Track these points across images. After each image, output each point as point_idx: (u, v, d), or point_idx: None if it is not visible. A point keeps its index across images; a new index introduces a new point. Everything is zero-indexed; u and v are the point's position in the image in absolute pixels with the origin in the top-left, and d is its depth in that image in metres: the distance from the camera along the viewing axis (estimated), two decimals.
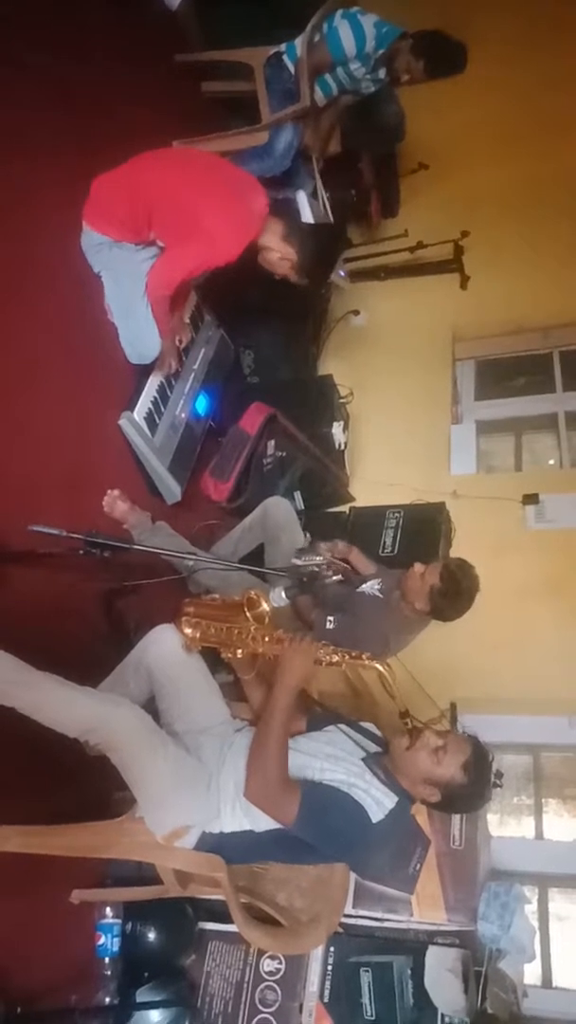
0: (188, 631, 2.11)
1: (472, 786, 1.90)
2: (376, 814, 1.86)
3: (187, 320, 3.14)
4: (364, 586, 2.88)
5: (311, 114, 3.32)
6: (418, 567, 2.67)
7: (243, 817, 1.94)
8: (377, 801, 1.88)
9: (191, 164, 2.64)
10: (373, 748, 2.05)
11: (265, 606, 2.00)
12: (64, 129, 2.82)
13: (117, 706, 1.95)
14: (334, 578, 2.51)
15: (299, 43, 3.17)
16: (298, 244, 2.62)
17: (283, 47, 3.26)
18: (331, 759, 1.97)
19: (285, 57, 3.26)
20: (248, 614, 2.01)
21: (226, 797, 1.96)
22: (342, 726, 2.12)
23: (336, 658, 1.92)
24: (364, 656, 1.90)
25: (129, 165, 2.56)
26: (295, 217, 2.92)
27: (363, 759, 1.99)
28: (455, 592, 2.60)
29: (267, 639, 1.99)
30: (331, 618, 2.65)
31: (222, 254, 2.51)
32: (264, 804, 1.85)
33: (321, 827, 1.84)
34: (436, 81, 3.28)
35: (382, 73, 3.31)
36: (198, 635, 2.11)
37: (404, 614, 2.72)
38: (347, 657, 1.92)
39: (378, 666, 1.88)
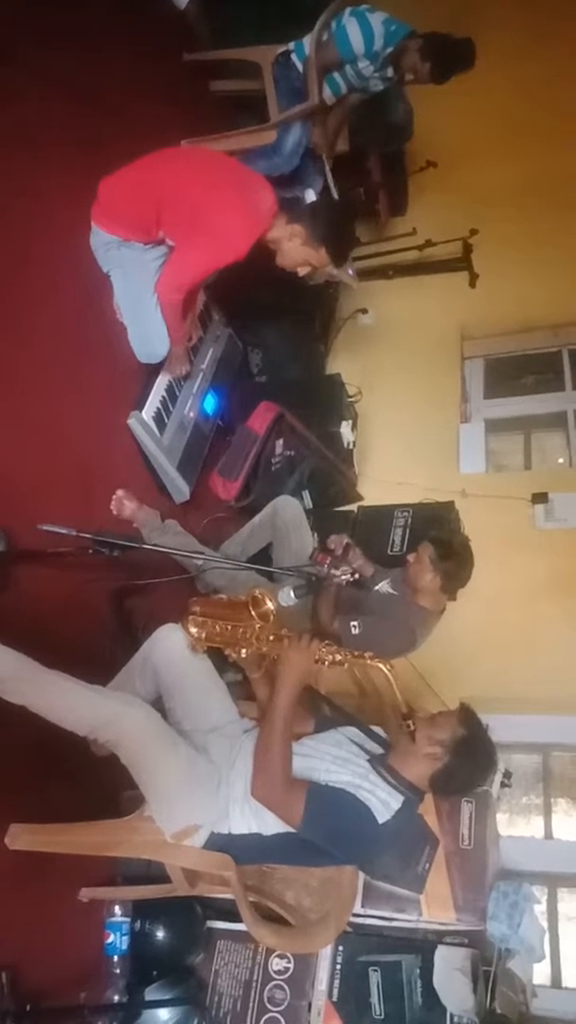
0: (193, 630, 2.12)
1: (472, 740, 1.93)
2: (382, 814, 1.86)
3: (195, 319, 3.14)
4: (377, 586, 2.90)
5: (319, 113, 3.31)
6: (410, 556, 2.79)
7: (251, 819, 1.95)
8: (383, 802, 1.88)
9: (199, 163, 2.64)
10: (378, 750, 2.05)
11: (270, 605, 1.99)
12: (71, 127, 2.82)
13: (128, 704, 1.96)
14: (342, 578, 2.51)
15: (308, 42, 3.17)
16: (307, 219, 2.57)
17: (291, 46, 3.25)
18: (337, 761, 1.98)
19: (293, 56, 3.25)
20: (253, 613, 2.00)
21: (235, 798, 1.97)
22: (348, 728, 2.12)
23: (339, 657, 1.92)
24: (367, 655, 1.91)
25: (137, 164, 2.56)
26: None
27: (368, 760, 1.99)
28: (452, 549, 2.74)
29: (271, 638, 2.00)
30: (354, 623, 2.67)
31: (230, 252, 2.50)
32: (270, 802, 1.87)
33: (328, 828, 1.85)
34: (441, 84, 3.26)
35: (390, 71, 3.29)
36: (203, 635, 2.11)
37: (421, 605, 2.76)
38: (350, 656, 1.92)
39: (382, 666, 1.88)
